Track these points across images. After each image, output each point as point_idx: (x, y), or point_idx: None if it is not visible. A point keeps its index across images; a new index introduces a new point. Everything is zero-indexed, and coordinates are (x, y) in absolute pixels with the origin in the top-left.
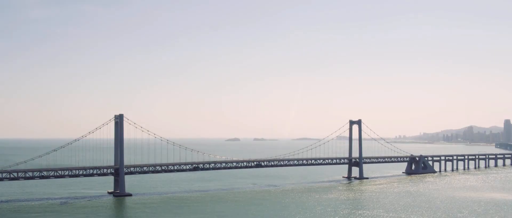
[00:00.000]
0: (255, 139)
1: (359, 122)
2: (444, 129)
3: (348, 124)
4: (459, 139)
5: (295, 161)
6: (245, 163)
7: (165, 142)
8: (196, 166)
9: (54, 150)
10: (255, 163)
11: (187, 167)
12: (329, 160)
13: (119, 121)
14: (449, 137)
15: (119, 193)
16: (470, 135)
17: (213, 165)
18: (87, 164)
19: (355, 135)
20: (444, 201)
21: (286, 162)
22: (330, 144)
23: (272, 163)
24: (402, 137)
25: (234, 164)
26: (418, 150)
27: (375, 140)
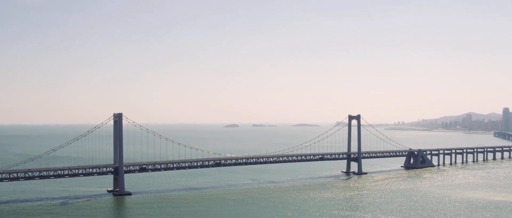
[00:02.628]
0: (254, 125)
1: (358, 117)
2: (443, 115)
3: (347, 119)
4: (458, 126)
5: (294, 157)
6: (244, 160)
7: (164, 139)
8: (195, 163)
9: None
10: (254, 159)
11: (186, 165)
12: (328, 156)
13: (118, 119)
14: (448, 124)
15: (118, 192)
16: (468, 123)
17: (212, 162)
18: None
19: (355, 131)
20: (440, 202)
21: (285, 158)
22: (329, 130)
23: (274, 159)
24: (400, 123)
25: (233, 161)
26: (416, 139)
27: (369, 129)
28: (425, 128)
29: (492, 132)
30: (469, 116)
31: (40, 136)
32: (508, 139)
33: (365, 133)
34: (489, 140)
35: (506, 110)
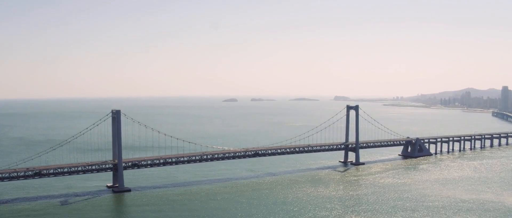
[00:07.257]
0: (253, 99)
1: (356, 108)
2: (442, 91)
3: (345, 109)
4: (456, 103)
5: (293, 149)
6: (242, 153)
7: (162, 135)
8: (193, 158)
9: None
10: (252, 152)
11: (185, 159)
12: (326, 147)
13: (116, 116)
14: (446, 101)
15: (118, 188)
16: (467, 100)
17: (210, 156)
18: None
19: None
20: (432, 201)
21: (284, 150)
22: (329, 120)
23: (272, 152)
24: (399, 98)
25: (231, 154)
26: (414, 121)
27: (367, 119)
28: (424, 104)
29: (491, 111)
30: (468, 92)
31: (39, 114)
32: (507, 120)
33: (363, 122)
34: (487, 120)
35: (505, 88)
